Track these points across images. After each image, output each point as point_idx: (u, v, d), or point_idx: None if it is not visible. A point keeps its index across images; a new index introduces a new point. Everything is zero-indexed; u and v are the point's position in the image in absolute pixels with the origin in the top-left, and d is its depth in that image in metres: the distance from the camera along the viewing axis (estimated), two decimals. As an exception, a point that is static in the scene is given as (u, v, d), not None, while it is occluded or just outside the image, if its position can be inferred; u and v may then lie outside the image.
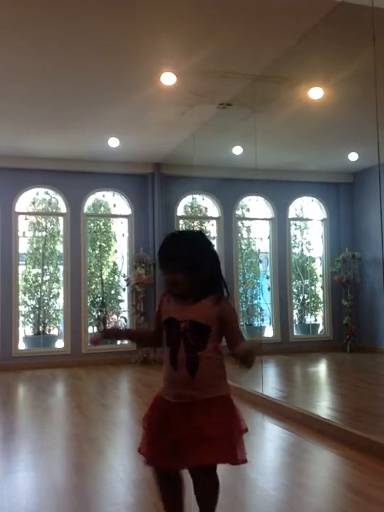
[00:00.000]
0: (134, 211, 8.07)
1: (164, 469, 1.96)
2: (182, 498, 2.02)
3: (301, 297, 8.88)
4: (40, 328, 7.63)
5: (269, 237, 8.66)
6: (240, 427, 1.95)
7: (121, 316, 8.09)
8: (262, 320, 8.69)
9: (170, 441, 1.88)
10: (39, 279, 7.82)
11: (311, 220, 8.99)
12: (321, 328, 8.85)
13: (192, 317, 1.93)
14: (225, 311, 1.95)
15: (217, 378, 1.95)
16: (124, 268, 8.16)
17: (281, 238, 8.64)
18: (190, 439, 1.85)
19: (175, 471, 1.97)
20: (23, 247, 7.80)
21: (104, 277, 8.11)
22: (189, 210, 8.57)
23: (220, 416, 1.90)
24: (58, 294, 7.87)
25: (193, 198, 8.54)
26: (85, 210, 7.94)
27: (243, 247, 8.73)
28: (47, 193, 7.88)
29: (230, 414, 1.94)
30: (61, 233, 7.88)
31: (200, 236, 2.08)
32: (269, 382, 5.81)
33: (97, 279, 8.06)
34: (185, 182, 8.01)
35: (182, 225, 8.47)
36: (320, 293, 8.95)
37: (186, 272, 1.93)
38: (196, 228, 8.61)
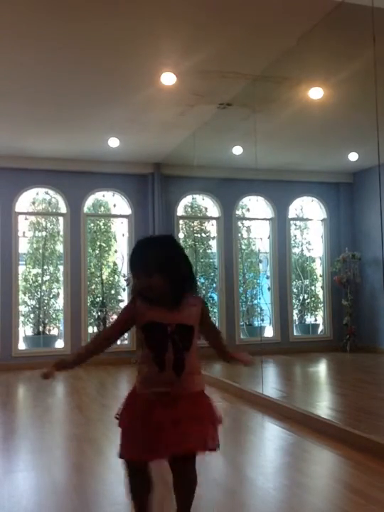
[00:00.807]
0: (134, 211, 8.07)
1: (145, 461, 2.01)
2: (151, 497, 2.08)
3: (301, 297, 8.88)
4: (40, 328, 7.63)
5: (269, 237, 8.66)
6: (217, 418, 2.06)
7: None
8: (262, 320, 8.69)
9: (152, 432, 1.92)
10: (39, 279, 7.82)
11: (311, 220, 8.99)
12: (321, 328, 8.85)
13: (178, 320, 1.98)
14: (204, 310, 2.05)
15: (197, 375, 2.03)
16: (124, 268, 8.16)
17: (281, 238, 8.64)
18: (173, 429, 1.91)
19: (147, 467, 2.04)
20: (23, 247, 7.80)
21: (104, 277, 8.10)
22: (189, 210, 8.56)
23: (200, 408, 2.00)
24: (58, 294, 7.87)
25: (193, 198, 8.54)
26: (85, 210, 7.94)
27: (243, 247, 8.73)
28: (47, 193, 7.88)
29: (208, 407, 2.04)
30: (61, 233, 7.88)
31: (172, 239, 2.11)
32: (269, 382, 5.81)
33: (97, 279, 8.06)
34: (185, 182, 8.02)
35: (182, 225, 8.48)
36: (320, 293, 8.95)
37: (161, 274, 1.95)
38: (196, 228, 8.62)
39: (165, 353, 1.96)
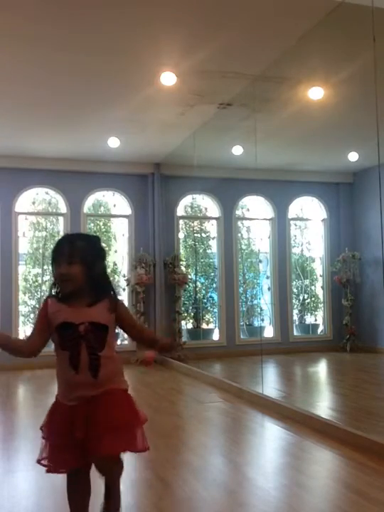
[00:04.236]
0: (134, 211, 8.07)
1: (74, 469, 1.98)
2: (87, 502, 2.06)
3: (301, 297, 8.88)
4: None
5: (269, 237, 8.65)
6: (138, 418, 2.00)
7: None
8: (262, 320, 8.69)
9: (75, 442, 1.90)
10: (39, 279, 7.82)
11: (311, 220, 8.99)
12: (321, 328, 8.85)
13: (91, 318, 1.95)
14: (120, 310, 2.04)
15: (117, 375, 2.02)
16: (124, 268, 8.16)
17: (281, 238, 8.63)
18: (93, 434, 1.89)
19: (84, 472, 2.01)
20: (23, 247, 7.80)
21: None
22: (189, 210, 8.56)
23: (118, 408, 1.96)
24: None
25: (193, 198, 8.54)
26: (85, 210, 7.94)
27: (243, 247, 8.73)
28: (47, 193, 7.88)
29: (129, 406, 2.00)
30: (61, 233, 7.88)
31: (96, 238, 2.15)
32: (269, 382, 5.81)
33: (97, 279, 8.05)
34: (185, 182, 8.02)
35: (182, 225, 8.48)
36: (320, 293, 8.95)
37: (82, 265, 1.95)
38: (196, 228, 8.62)
39: (79, 355, 1.92)
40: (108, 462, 1.98)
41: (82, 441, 1.89)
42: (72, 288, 1.96)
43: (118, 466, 2.05)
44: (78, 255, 1.96)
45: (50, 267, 2.04)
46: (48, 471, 2.00)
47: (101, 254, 2.09)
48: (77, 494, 2.04)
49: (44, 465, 1.99)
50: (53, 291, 2.03)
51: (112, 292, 2.06)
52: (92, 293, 1.99)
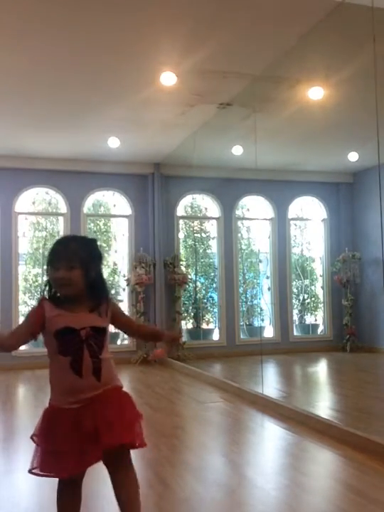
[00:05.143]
0: (134, 211, 8.07)
1: (74, 475, 1.92)
2: (79, 509, 2.01)
3: (301, 297, 8.88)
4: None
5: (269, 237, 8.66)
6: (138, 413, 2.00)
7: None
8: (262, 320, 8.69)
9: (78, 443, 1.87)
10: (39, 279, 7.82)
11: (311, 220, 8.99)
12: (321, 328, 8.85)
13: (91, 323, 1.94)
14: (114, 310, 2.03)
15: (114, 376, 2.01)
16: (124, 268, 8.16)
17: (281, 238, 8.63)
18: (103, 427, 1.87)
19: (80, 480, 1.98)
20: (23, 247, 7.81)
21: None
22: (189, 210, 8.56)
23: (122, 404, 1.97)
24: (58, 294, 7.86)
25: (193, 198, 8.54)
26: (85, 210, 7.94)
27: (243, 247, 8.73)
28: (47, 193, 7.88)
29: (130, 402, 2.00)
30: (61, 233, 7.88)
31: (94, 240, 2.11)
32: (269, 382, 5.81)
33: (97, 279, 8.05)
34: (185, 182, 8.02)
35: (182, 225, 8.48)
36: (320, 293, 8.95)
37: (82, 269, 1.93)
38: (196, 228, 8.62)
39: (82, 360, 1.91)
40: (121, 453, 1.95)
41: (91, 437, 1.87)
42: (71, 292, 1.94)
43: (132, 469, 2.00)
44: (77, 260, 1.92)
45: (46, 269, 2.01)
46: (46, 476, 1.95)
47: (100, 260, 2.07)
48: (71, 502, 2.00)
49: (37, 474, 1.93)
50: (46, 293, 2.00)
51: (107, 295, 2.05)
52: (92, 297, 1.97)
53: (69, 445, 1.88)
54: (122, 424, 1.91)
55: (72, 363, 1.91)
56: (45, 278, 8.35)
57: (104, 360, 1.95)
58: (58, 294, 1.99)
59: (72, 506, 2.00)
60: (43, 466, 1.91)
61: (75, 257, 1.92)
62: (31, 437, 1.96)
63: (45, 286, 2.02)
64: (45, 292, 2.01)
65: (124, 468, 1.99)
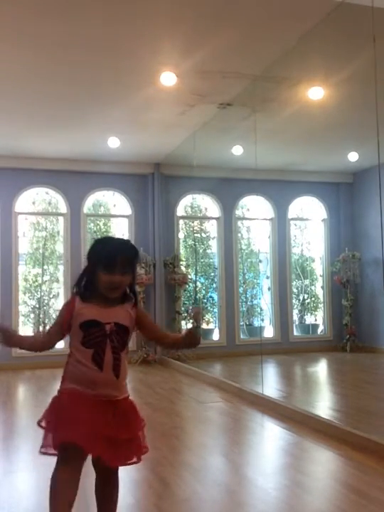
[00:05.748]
0: (134, 211, 8.07)
1: (80, 446, 1.86)
2: (73, 499, 1.95)
3: (301, 297, 8.88)
4: (40, 328, 7.62)
5: (269, 237, 8.66)
6: (141, 423, 2.03)
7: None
8: (262, 320, 8.69)
9: (102, 434, 1.89)
10: (39, 279, 7.82)
11: (311, 220, 8.99)
12: (321, 328, 8.85)
13: (116, 319, 1.98)
14: (140, 314, 2.07)
15: (125, 378, 2.03)
16: (123, 268, 8.15)
17: (281, 238, 8.64)
18: (111, 445, 1.90)
19: (79, 463, 1.92)
20: (23, 247, 7.80)
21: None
22: (189, 210, 8.56)
23: (132, 417, 1.99)
24: (58, 294, 7.87)
25: (193, 198, 8.54)
26: (85, 210, 7.94)
27: (243, 247, 8.73)
28: (47, 193, 7.88)
29: (137, 414, 2.02)
30: (61, 233, 7.88)
31: (136, 248, 2.20)
32: (269, 382, 5.81)
33: (97, 279, 8.05)
34: (185, 182, 8.02)
35: (182, 225, 8.48)
36: (320, 293, 8.95)
37: (131, 275, 2.02)
38: (196, 228, 8.62)
39: (104, 353, 1.94)
40: (113, 472, 2.03)
41: (106, 439, 1.89)
42: (118, 295, 2.00)
43: (117, 480, 2.06)
44: (130, 266, 2.02)
45: (92, 268, 1.99)
46: (59, 441, 1.90)
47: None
48: (67, 487, 1.92)
49: (46, 453, 1.93)
50: (76, 289, 2.02)
51: (134, 296, 2.08)
52: (124, 298, 2.03)
53: (86, 415, 1.89)
54: (129, 447, 1.96)
55: (95, 355, 1.94)
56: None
57: (122, 359, 1.99)
58: (87, 291, 2.01)
59: (66, 495, 1.92)
60: (55, 432, 1.91)
61: (129, 264, 2.02)
62: (38, 423, 1.98)
63: (79, 282, 2.03)
64: (75, 289, 2.03)
65: (111, 473, 2.04)
